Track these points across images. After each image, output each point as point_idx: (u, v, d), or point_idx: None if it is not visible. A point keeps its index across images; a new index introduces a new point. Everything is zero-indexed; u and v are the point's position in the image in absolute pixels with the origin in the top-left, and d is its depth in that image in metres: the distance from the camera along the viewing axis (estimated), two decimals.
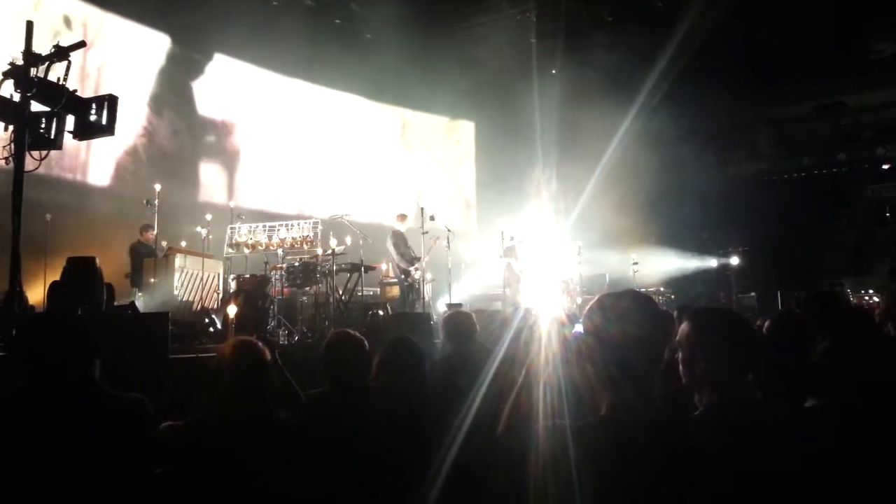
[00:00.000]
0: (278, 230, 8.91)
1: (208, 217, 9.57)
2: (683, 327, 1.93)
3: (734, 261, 13.01)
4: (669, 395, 1.87)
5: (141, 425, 2.26)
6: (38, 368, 2.18)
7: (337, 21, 13.28)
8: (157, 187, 9.05)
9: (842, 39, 12.10)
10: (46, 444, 2.03)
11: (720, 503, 1.60)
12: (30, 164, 4.73)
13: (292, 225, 8.96)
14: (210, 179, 12.32)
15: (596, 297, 1.85)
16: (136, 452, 2.19)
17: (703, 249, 13.65)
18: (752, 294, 11.98)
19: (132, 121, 10.96)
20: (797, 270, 11.66)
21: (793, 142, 13.19)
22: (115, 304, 6.24)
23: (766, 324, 3.33)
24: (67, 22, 10.24)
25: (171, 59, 11.82)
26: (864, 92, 12.86)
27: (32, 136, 4.77)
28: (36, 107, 4.83)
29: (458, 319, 4.12)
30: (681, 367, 1.92)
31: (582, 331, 1.81)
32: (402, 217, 10.06)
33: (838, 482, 1.80)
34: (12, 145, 4.70)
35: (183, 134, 12.09)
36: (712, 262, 13.55)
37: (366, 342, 2.97)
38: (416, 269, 9.49)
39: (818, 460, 1.76)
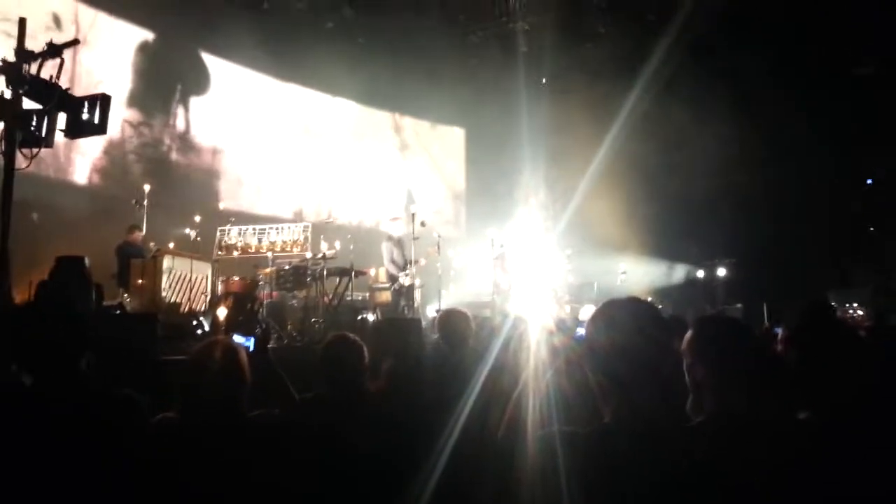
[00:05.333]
0: (268, 233, 8.89)
1: (197, 219, 9.52)
2: (687, 335, 1.92)
3: (721, 272, 13.10)
4: (670, 406, 1.85)
5: (133, 421, 2.25)
6: (28, 359, 2.17)
7: (329, 25, 13.30)
8: (146, 188, 9.01)
9: (828, 53, 12.28)
10: (36, 439, 2.01)
11: None
12: (20, 162, 4.70)
13: (282, 228, 8.94)
14: (199, 181, 12.26)
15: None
16: (128, 449, 2.17)
17: (690, 260, 13.75)
18: (739, 305, 12.05)
19: (121, 121, 10.91)
20: (783, 283, 11.75)
21: (782, 154, 13.31)
22: (104, 304, 6.20)
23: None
24: (57, 21, 10.17)
25: (162, 60, 11.79)
26: (853, 106, 13.01)
27: (23, 133, 4.74)
28: (28, 104, 4.81)
29: (453, 318, 4.08)
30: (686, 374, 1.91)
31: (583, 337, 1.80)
32: (395, 219, 10.07)
33: (834, 496, 1.79)
34: (3, 142, 4.67)
35: (172, 135, 12.05)
36: (699, 273, 13.66)
37: (364, 347, 2.96)
38: (406, 275, 9.49)
39: (817, 474, 1.75)
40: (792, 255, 12.44)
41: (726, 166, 13.00)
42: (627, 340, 1.69)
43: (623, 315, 1.75)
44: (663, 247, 13.38)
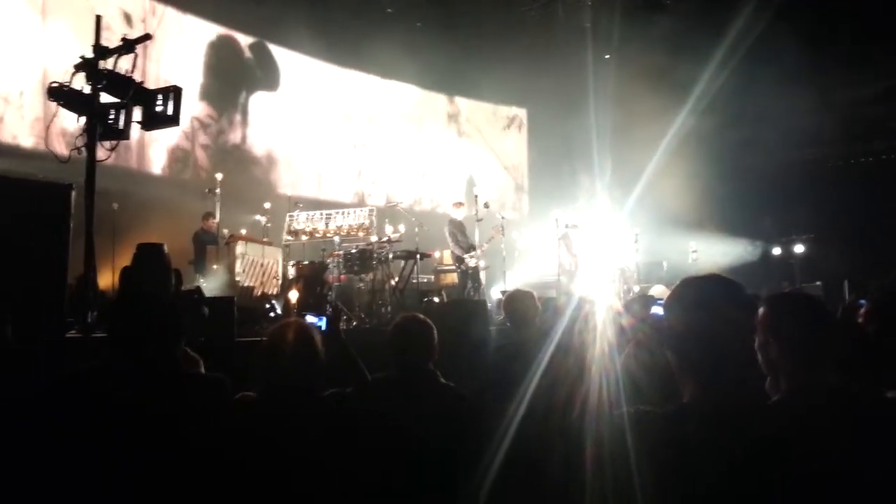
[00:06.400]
0: (335, 218, 9.05)
1: (267, 205, 9.78)
2: (760, 311, 1.85)
3: (798, 249, 12.54)
4: (749, 386, 1.78)
5: (222, 404, 2.36)
6: (128, 349, 2.28)
7: (389, 10, 13.35)
8: (219, 176, 9.31)
9: None
10: (133, 423, 2.11)
11: (781, 498, 1.55)
12: (101, 154, 4.91)
13: (349, 212, 9.09)
14: (265, 169, 12.58)
15: None
16: (217, 430, 2.28)
17: (765, 237, 13.22)
18: (818, 283, 11.52)
19: (193, 112, 11.27)
20: (865, 259, 11.17)
21: (861, 125, 12.61)
22: (182, 289, 6.45)
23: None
24: (127, 17, 10.54)
25: (229, 51, 12.11)
26: None
27: (103, 126, 4.94)
28: (105, 99, 5.00)
29: (519, 298, 4.02)
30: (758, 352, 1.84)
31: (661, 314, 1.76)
32: (459, 204, 10.07)
33: None
34: (84, 136, 4.89)
35: (241, 124, 12.37)
36: (775, 250, 13.10)
37: (434, 328, 2.98)
38: (472, 257, 9.49)
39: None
40: (875, 231, 11.80)
41: (804, 140, 12.44)
42: (704, 319, 1.64)
43: (699, 294, 1.71)
44: (737, 224, 12.88)
